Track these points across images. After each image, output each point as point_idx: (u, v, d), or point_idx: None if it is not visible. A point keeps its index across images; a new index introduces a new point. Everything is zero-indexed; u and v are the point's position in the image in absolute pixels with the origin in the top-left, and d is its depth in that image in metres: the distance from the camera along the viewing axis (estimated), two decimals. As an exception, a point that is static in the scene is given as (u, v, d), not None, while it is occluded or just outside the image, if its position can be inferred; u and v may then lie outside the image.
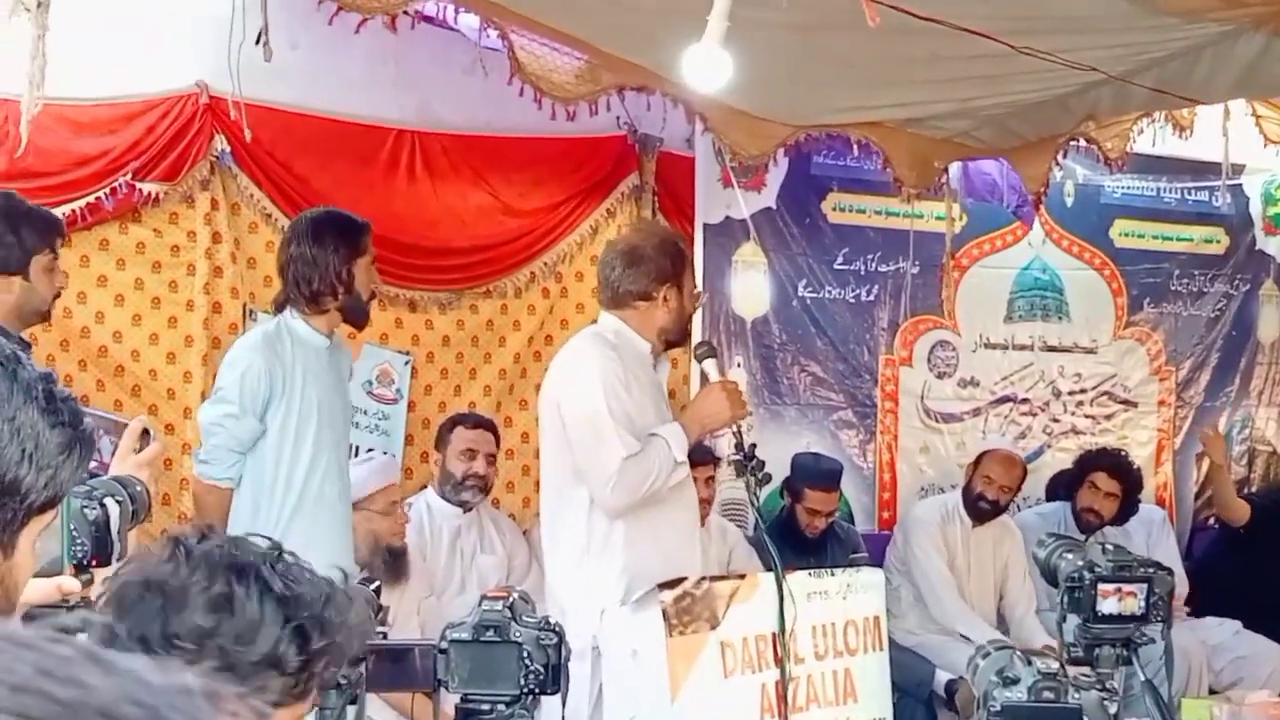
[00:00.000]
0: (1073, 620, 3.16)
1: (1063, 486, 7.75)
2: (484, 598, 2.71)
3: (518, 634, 2.58)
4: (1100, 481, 7.46)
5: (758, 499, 4.69)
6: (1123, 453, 7.98)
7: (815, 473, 7.05)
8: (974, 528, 7.12)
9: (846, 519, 7.60)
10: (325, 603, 1.92)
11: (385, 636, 3.02)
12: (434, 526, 6.17)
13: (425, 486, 6.45)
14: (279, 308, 5.03)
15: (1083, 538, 7.23)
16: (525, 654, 2.57)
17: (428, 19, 6.12)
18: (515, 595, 2.73)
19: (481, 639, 2.58)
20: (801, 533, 6.95)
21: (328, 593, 1.94)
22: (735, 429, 4.67)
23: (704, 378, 4.84)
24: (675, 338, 4.85)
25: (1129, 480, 7.58)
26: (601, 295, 4.94)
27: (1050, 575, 3.31)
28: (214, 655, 1.84)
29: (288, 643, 1.88)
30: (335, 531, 4.99)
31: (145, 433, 3.22)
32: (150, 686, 0.79)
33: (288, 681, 1.89)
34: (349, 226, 5.05)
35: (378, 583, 3.29)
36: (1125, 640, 3.13)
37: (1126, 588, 3.11)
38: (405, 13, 5.78)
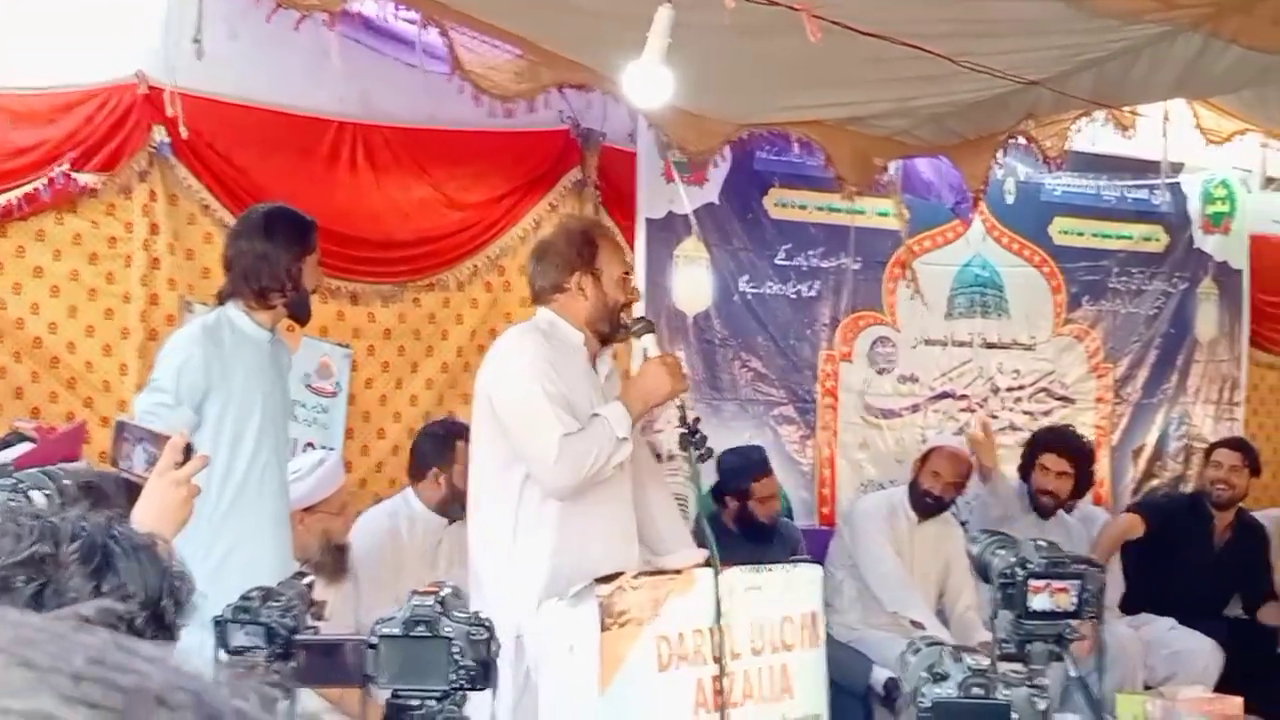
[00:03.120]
0: (1005, 616, 3.18)
1: (1018, 470, 7.73)
2: (414, 593, 2.71)
3: (448, 629, 2.57)
4: (1050, 462, 7.49)
5: (699, 476, 4.70)
6: (1069, 428, 8.07)
7: (750, 465, 7.08)
8: (918, 523, 7.13)
9: (786, 514, 7.60)
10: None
11: (317, 631, 3.01)
12: (414, 535, 6.10)
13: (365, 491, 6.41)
14: (222, 300, 4.99)
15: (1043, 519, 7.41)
16: (456, 649, 2.56)
17: (366, 19, 6.12)
18: (447, 590, 2.73)
19: (411, 634, 2.58)
20: (759, 523, 7.03)
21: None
22: (679, 403, 4.66)
23: (645, 356, 4.81)
24: (605, 328, 4.80)
25: (1079, 456, 7.64)
26: (530, 293, 4.95)
27: (983, 571, 3.33)
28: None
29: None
30: (275, 524, 4.97)
31: (188, 447, 3.18)
32: (183, 672, 0.79)
33: None
34: (300, 224, 5.03)
35: (310, 578, 3.28)
36: (1057, 636, 3.15)
37: (1058, 584, 3.13)
38: (345, 11, 5.79)
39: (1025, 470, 7.61)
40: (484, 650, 2.59)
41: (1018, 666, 2.98)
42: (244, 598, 3.14)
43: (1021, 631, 3.14)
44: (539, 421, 4.53)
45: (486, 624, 2.59)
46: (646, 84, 4.87)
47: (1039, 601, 3.13)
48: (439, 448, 6.11)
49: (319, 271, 5.19)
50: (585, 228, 5.03)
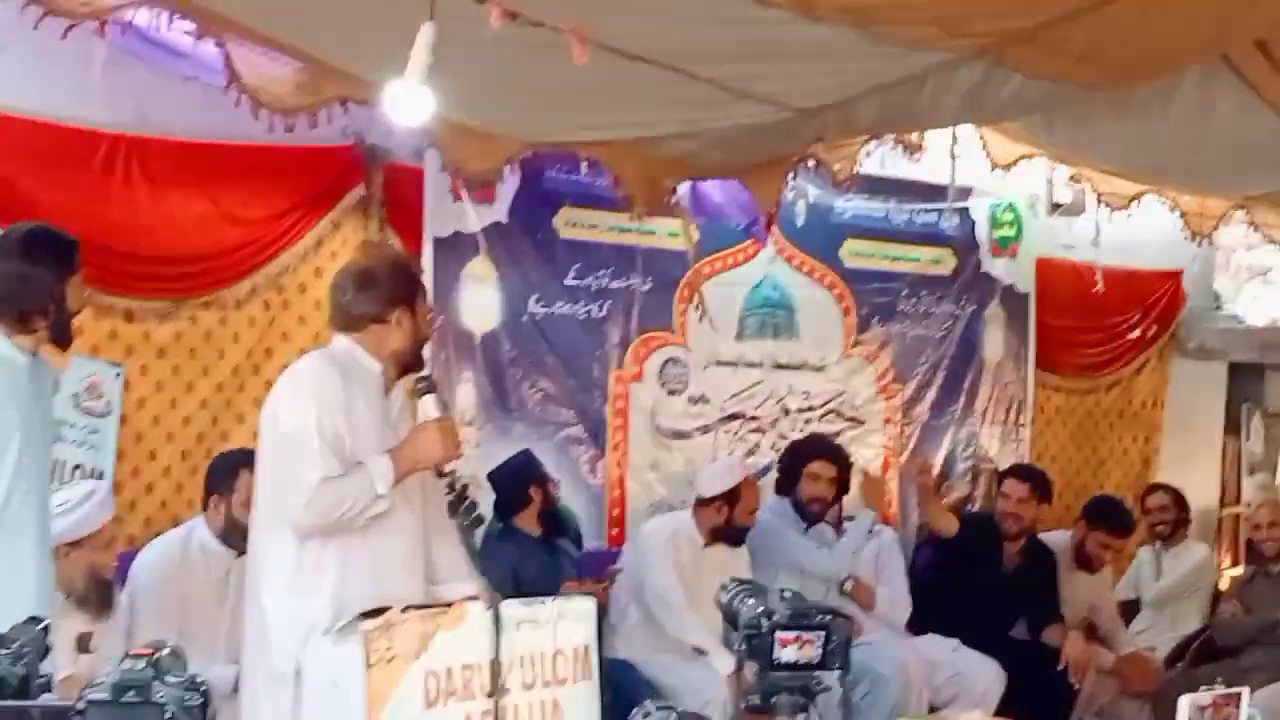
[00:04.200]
0: (750, 667, 3.14)
1: (777, 484, 7.73)
2: (127, 655, 2.58)
3: (160, 694, 2.45)
4: (819, 469, 7.53)
5: (473, 541, 4.62)
6: (823, 436, 8.19)
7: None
8: (704, 547, 7.09)
9: (575, 537, 7.55)
10: None
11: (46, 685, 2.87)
12: (203, 565, 5.87)
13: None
14: None
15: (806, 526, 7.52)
16: (169, 716, 2.44)
17: (140, 30, 5.95)
18: (165, 651, 2.61)
19: (121, 700, 2.45)
20: (555, 511, 7.24)
21: None
22: (448, 470, 4.59)
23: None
24: (409, 360, 4.74)
25: (843, 461, 7.73)
26: (333, 318, 4.83)
27: (732, 620, 3.29)
28: None
29: None
30: (36, 557, 4.77)
31: None
32: None
33: None
34: (60, 243, 4.83)
35: (46, 621, 3.14)
36: (803, 688, 3.12)
37: (806, 635, 3.10)
38: (118, 22, 5.63)
39: (790, 482, 7.62)
40: (199, 717, 2.48)
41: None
42: (-29, 644, 3.00)
43: (767, 682, 3.11)
44: (304, 459, 4.45)
45: (203, 688, 2.47)
46: (408, 100, 4.78)
47: (786, 654, 3.09)
48: (222, 475, 5.94)
49: (83, 292, 5.01)
50: (409, 262, 5.03)
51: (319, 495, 4.42)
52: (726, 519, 7.09)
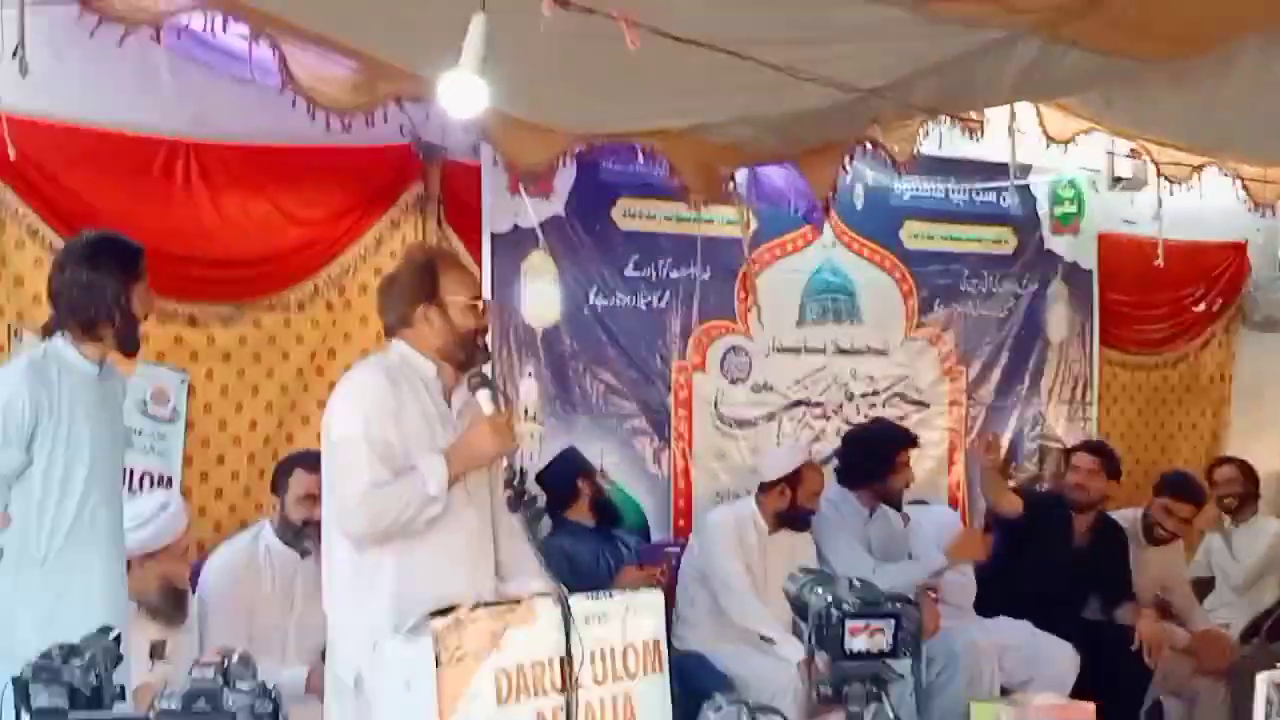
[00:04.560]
0: (821, 657, 3.12)
1: (861, 474, 7.63)
2: (196, 663, 2.59)
3: (231, 702, 2.46)
4: (909, 458, 7.51)
5: (538, 534, 4.60)
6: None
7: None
8: (770, 534, 7.08)
9: (639, 527, 7.54)
10: None
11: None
12: (270, 569, 5.93)
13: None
14: (48, 333, 4.82)
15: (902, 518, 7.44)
16: (240, 725, 2.45)
17: (196, 34, 5.98)
18: (234, 659, 2.62)
19: (192, 709, 2.46)
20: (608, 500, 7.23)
21: None
22: (507, 463, 4.57)
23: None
24: (457, 356, 4.67)
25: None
26: (383, 324, 4.84)
27: (800, 610, 3.27)
28: None
29: None
30: (107, 567, 4.81)
31: None
32: None
33: None
34: (126, 251, 4.85)
35: (118, 631, 3.16)
36: (874, 677, 3.10)
37: (875, 624, 3.08)
38: (174, 27, 5.66)
39: (880, 470, 7.54)
40: (270, 723, 2.48)
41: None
42: (44, 655, 3.02)
43: (838, 672, 3.08)
44: (353, 467, 4.43)
45: (273, 695, 2.48)
46: (462, 93, 4.77)
47: (856, 643, 3.07)
48: (278, 476, 6.03)
49: (149, 299, 5.02)
50: (428, 257, 4.91)
51: (368, 501, 4.40)
52: (790, 502, 7.06)
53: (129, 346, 4.91)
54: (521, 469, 4.62)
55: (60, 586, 4.60)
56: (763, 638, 6.74)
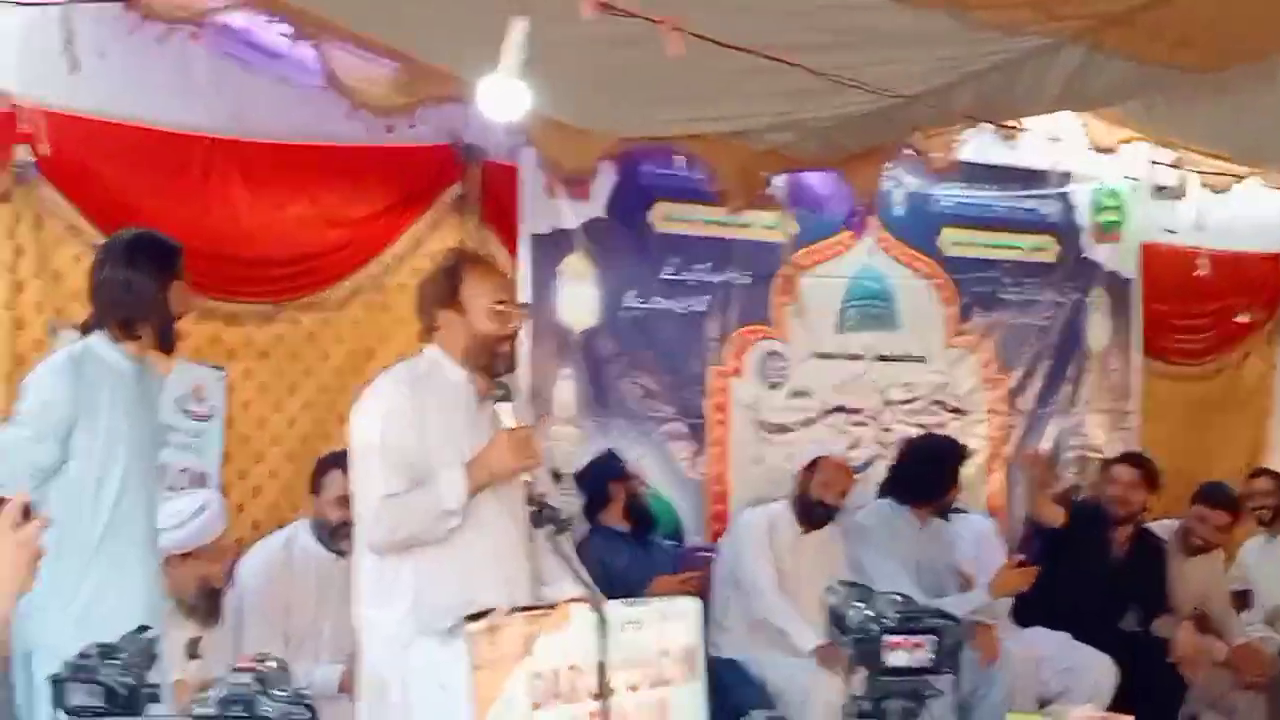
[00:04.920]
0: (861, 672, 3.09)
1: (920, 488, 7.58)
2: (234, 669, 2.58)
3: (266, 708, 2.44)
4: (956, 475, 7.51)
5: (566, 548, 4.56)
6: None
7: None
8: (802, 534, 7.05)
9: (675, 532, 7.52)
10: None
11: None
12: (305, 569, 5.92)
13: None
14: (86, 330, 4.83)
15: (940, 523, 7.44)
16: (274, 731, 2.44)
17: (237, 33, 5.98)
18: (270, 665, 2.60)
19: (228, 714, 2.45)
20: (644, 507, 7.22)
21: None
22: (528, 479, 4.52)
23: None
24: (481, 361, 4.61)
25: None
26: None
27: (840, 624, 3.24)
28: None
29: None
30: (144, 564, 4.83)
31: (27, 509, 2.96)
32: None
33: None
34: (163, 249, 4.86)
35: (154, 631, 3.15)
36: (913, 692, 3.07)
37: (915, 639, 3.05)
38: (214, 25, 5.66)
39: (940, 483, 7.51)
40: (305, 731, 2.47)
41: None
42: (82, 655, 3.01)
43: (877, 688, 3.05)
44: (368, 477, 4.43)
45: (308, 701, 2.46)
46: (502, 97, 4.76)
47: (896, 658, 3.04)
48: (315, 476, 6.04)
49: (186, 297, 5.03)
50: (455, 259, 4.84)
51: (383, 513, 4.39)
52: (803, 490, 7.05)
53: (167, 345, 4.92)
54: (551, 477, 4.55)
55: (96, 585, 4.61)
56: (780, 630, 6.72)
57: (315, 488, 6.01)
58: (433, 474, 4.42)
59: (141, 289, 4.74)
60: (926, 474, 7.53)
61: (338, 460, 5.81)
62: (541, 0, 4.59)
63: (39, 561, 2.86)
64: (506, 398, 4.53)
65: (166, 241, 4.91)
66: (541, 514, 4.39)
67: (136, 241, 4.88)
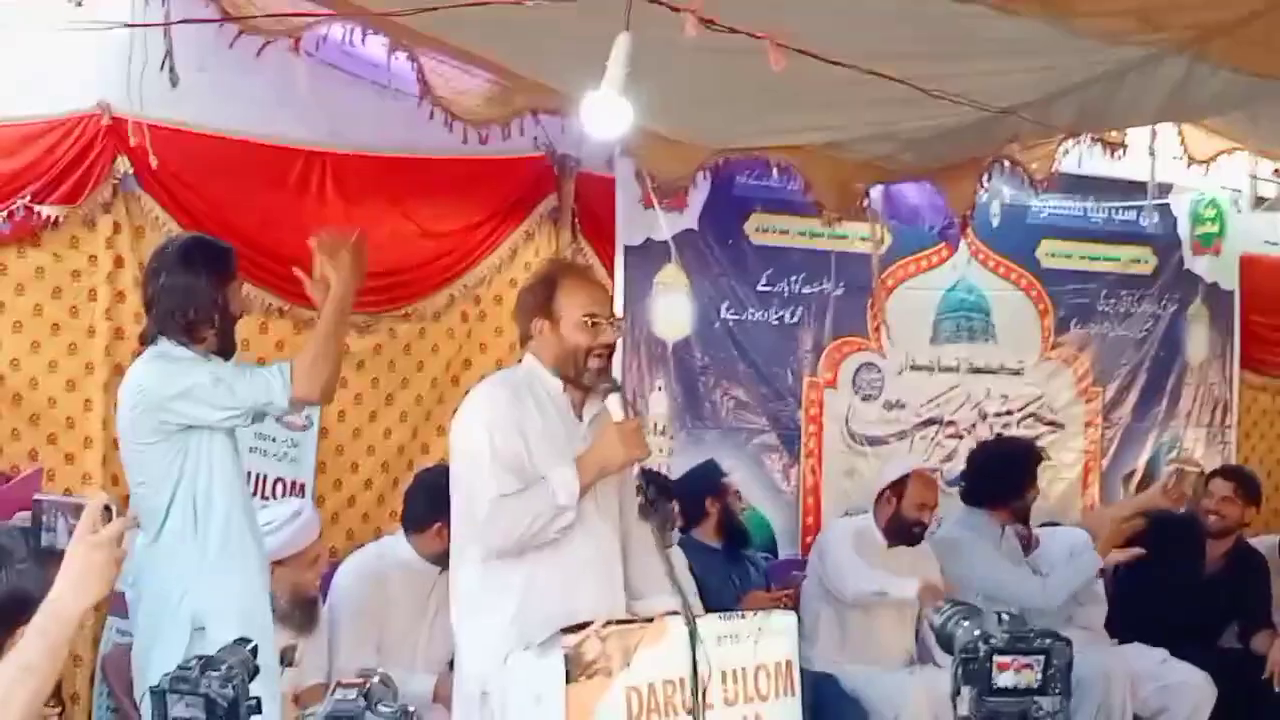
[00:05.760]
0: (967, 692, 3.05)
1: (993, 492, 7.47)
2: (339, 685, 2.57)
3: (373, 724, 2.45)
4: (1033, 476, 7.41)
5: (667, 542, 4.54)
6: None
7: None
8: (889, 548, 6.92)
9: (768, 545, 7.48)
10: None
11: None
12: (404, 582, 5.88)
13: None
14: (146, 342, 4.82)
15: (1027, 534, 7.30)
16: (382, 747, 2.43)
17: (335, 46, 6.01)
18: (374, 680, 2.60)
19: (334, 731, 2.45)
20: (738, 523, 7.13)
21: None
22: (639, 471, 4.51)
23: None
24: (570, 372, 4.57)
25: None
26: None
27: (946, 643, 3.19)
28: None
29: None
30: (247, 574, 4.83)
31: (107, 509, 2.97)
32: None
33: None
34: (216, 251, 4.86)
35: (254, 643, 3.15)
36: (1021, 713, 3.02)
37: (1023, 660, 3.00)
38: (313, 37, 5.69)
39: (1014, 492, 7.40)
40: (411, 745, 2.46)
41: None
42: (182, 666, 3.02)
43: (985, 709, 3.01)
44: (478, 480, 4.39)
45: (414, 715, 2.46)
46: (605, 113, 4.74)
47: (1004, 679, 2.99)
48: (439, 499, 5.94)
49: (242, 298, 5.08)
50: (550, 270, 4.83)
51: (497, 514, 4.34)
52: (895, 510, 6.89)
53: (228, 346, 4.91)
54: (656, 473, 4.53)
55: (208, 596, 4.61)
56: (877, 594, 6.60)
57: (442, 513, 5.86)
58: (542, 475, 4.41)
59: (201, 292, 4.72)
60: (997, 476, 7.42)
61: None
62: (644, 15, 4.57)
63: (121, 565, 2.87)
64: (614, 390, 4.52)
65: (218, 244, 4.93)
66: (653, 504, 4.38)
67: (189, 246, 4.88)
